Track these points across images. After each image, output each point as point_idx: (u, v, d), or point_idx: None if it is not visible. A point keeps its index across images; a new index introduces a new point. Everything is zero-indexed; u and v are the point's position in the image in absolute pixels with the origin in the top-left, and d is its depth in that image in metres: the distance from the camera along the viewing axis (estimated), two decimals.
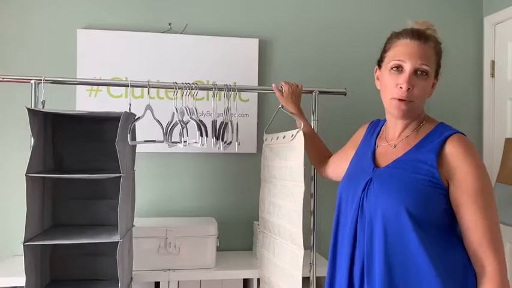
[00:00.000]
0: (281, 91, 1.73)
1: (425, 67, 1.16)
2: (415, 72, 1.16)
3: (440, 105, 2.26)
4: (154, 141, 1.69)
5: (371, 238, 1.15)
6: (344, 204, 1.28)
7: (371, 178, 1.20)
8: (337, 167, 1.52)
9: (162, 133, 1.72)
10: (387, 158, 1.22)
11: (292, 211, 1.55)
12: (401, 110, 1.18)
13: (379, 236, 1.13)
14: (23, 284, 1.47)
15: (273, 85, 1.74)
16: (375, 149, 1.30)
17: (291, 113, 1.69)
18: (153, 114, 1.65)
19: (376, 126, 1.37)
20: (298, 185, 1.52)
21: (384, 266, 1.12)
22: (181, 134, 1.67)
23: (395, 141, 1.25)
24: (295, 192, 1.55)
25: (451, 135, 1.15)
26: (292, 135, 1.59)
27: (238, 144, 1.77)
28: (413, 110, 1.19)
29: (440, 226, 1.13)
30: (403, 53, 1.17)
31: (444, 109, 2.31)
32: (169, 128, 1.73)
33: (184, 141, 1.69)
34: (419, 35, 1.18)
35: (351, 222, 1.21)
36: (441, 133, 1.17)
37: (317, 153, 1.66)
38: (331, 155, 1.63)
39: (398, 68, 1.18)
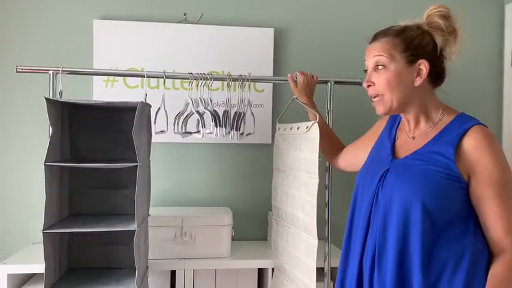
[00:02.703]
0: (295, 82, 1.72)
1: (378, 58, 1.20)
2: (375, 68, 1.21)
3: (459, 95, 2.21)
4: (163, 132, 1.71)
5: (384, 228, 1.16)
6: (360, 194, 1.28)
7: (388, 169, 1.20)
8: (353, 158, 1.52)
9: (172, 123, 1.74)
10: (406, 149, 1.22)
11: (307, 202, 1.55)
12: (377, 108, 1.24)
13: (392, 226, 1.14)
14: (42, 271, 1.50)
15: (288, 75, 1.73)
16: (394, 140, 1.29)
17: (304, 103, 1.69)
18: (164, 106, 1.69)
19: (397, 117, 1.35)
20: (313, 177, 1.52)
21: (396, 256, 1.12)
22: (198, 124, 1.69)
23: (413, 133, 1.24)
24: (309, 183, 1.54)
25: (471, 127, 1.14)
26: (307, 127, 1.58)
27: (248, 134, 1.77)
28: (386, 103, 1.21)
29: (454, 219, 1.12)
30: (366, 56, 1.26)
31: (463, 99, 2.25)
32: (183, 118, 1.75)
33: (197, 132, 1.70)
34: (376, 35, 1.25)
35: (365, 211, 1.22)
36: (461, 125, 1.16)
37: (329, 144, 1.65)
38: (343, 146, 1.62)
39: (366, 71, 1.26)
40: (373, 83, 1.22)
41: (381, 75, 1.20)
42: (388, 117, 1.40)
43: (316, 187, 1.49)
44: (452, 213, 1.12)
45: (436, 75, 1.23)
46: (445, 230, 1.11)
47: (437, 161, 1.13)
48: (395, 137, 1.30)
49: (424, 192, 1.11)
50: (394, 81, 1.19)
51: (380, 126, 1.42)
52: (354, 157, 1.50)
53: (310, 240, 1.53)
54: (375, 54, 1.21)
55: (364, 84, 1.24)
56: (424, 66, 1.19)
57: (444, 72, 1.25)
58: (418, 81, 1.20)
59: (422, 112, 1.23)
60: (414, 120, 1.24)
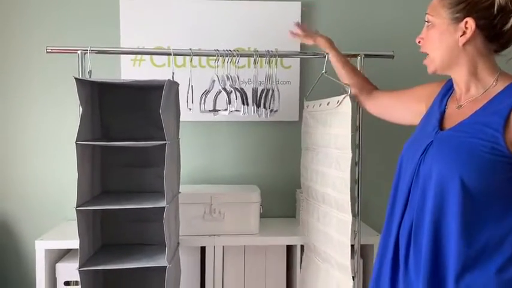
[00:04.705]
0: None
1: (427, 15, 1.18)
2: (426, 24, 1.19)
3: None
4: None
5: (422, 204, 1.11)
6: (404, 167, 1.22)
7: (432, 141, 1.13)
8: (388, 108, 1.48)
9: (198, 102, 1.73)
10: (453, 120, 1.14)
11: (337, 179, 1.53)
12: (427, 67, 1.21)
13: (429, 201, 1.09)
14: (77, 247, 1.55)
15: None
16: (444, 110, 1.21)
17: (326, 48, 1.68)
18: (191, 85, 1.69)
19: (451, 86, 1.26)
20: (345, 152, 1.49)
21: (432, 234, 1.08)
22: (227, 102, 1.67)
23: (462, 101, 1.16)
24: (340, 159, 1.52)
25: None
26: (338, 101, 1.55)
27: (276, 111, 1.75)
28: (430, 62, 1.19)
29: (498, 197, 1.04)
30: None
31: None
32: (211, 95, 1.74)
33: (224, 110, 1.69)
34: None
35: (406, 184, 1.17)
36: None
37: (354, 77, 1.62)
38: (374, 86, 1.60)
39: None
40: (422, 39, 1.21)
41: (428, 31, 1.18)
42: (442, 83, 1.30)
43: (349, 162, 1.46)
44: (495, 190, 1.04)
45: (494, 37, 1.11)
46: (487, 208, 1.04)
47: (482, 133, 1.04)
48: (445, 107, 1.22)
49: (463, 168, 1.03)
50: (436, 39, 1.15)
51: (433, 90, 1.31)
52: (390, 108, 1.46)
53: (344, 217, 1.51)
54: (427, 11, 1.18)
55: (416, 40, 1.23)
56: (469, 25, 1.09)
57: (507, 35, 1.10)
58: (461, 41, 1.11)
59: (473, 76, 1.14)
60: (464, 85, 1.16)
